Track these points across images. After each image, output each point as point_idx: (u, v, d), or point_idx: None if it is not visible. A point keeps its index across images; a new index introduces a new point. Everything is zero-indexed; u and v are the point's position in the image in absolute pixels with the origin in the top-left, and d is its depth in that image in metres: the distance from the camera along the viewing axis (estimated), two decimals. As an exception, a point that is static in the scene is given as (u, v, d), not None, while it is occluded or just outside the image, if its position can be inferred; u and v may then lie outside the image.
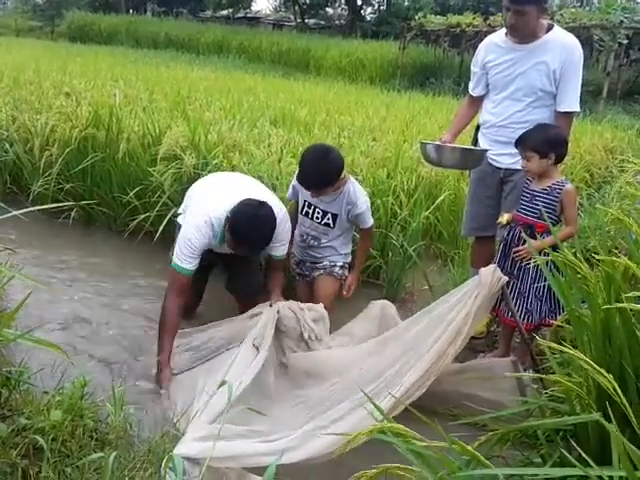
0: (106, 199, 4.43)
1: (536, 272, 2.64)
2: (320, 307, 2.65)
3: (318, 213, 2.96)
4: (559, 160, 2.66)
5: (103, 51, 15.55)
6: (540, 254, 2.51)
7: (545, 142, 2.62)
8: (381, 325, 2.74)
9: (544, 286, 2.64)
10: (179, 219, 2.99)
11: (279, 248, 2.80)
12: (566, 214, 2.64)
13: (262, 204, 2.59)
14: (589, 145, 6.46)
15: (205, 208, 2.68)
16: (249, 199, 2.61)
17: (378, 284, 3.87)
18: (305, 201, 3.01)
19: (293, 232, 3.14)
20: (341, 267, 3.07)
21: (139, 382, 2.56)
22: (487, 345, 3.16)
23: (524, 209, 2.72)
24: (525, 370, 2.49)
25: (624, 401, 1.17)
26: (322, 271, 3.05)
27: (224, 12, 29.73)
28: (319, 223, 2.98)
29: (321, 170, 2.80)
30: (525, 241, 2.64)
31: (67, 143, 4.45)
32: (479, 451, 1.47)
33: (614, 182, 5.33)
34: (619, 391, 1.18)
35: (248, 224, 2.52)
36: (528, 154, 2.66)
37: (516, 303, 2.66)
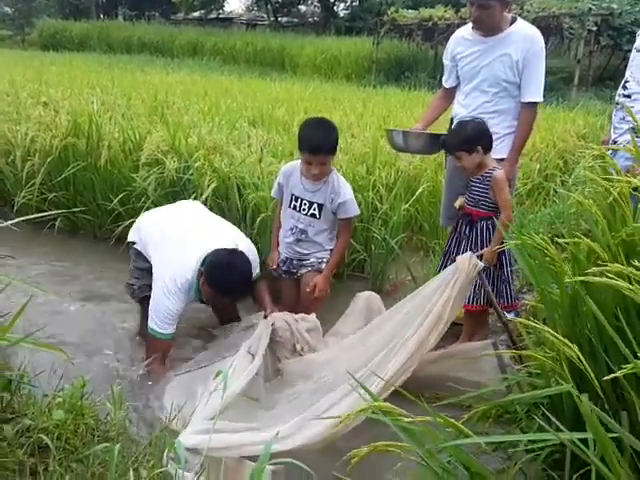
0: (90, 207, 4.47)
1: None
2: (313, 317, 2.73)
3: (305, 204, 3.04)
4: (488, 149, 2.81)
5: (76, 58, 15.43)
6: (482, 242, 2.79)
7: (466, 140, 2.78)
8: (367, 319, 2.82)
9: (491, 272, 2.83)
10: (138, 247, 2.95)
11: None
12: (498, 201, 2.77)
13: (233, 251, 2.62)
14: (562, 132, 6.61)
15: (175, 270, 2.62)
16: (217, 250, 2.62)
17: (363, 277, 3.97)
18: (292, 194, 3.08)
19: (279, 231, 3.20)
20: (327, 263, 3.14)
21: (134, 383, 2.63)
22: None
23: (466, 198, 2.90)
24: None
25: (588, 369, 1.28)
26: (309, 268, 3.10)
27: (196, 14, 29.60)
28: (305, 214, 3.05)
29: (328, 131, 2.95)
30: (468, 227, 2.88)
31: (48, 153, 4.49)
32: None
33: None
34: (583, 359, 1.28)
35: (227, 277, 2.53)
36: (457, 154, 2.82)
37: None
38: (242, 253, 2.65)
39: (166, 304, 2.58)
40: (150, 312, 2.61)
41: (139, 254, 2.94)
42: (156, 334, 2.60)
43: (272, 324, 2.59)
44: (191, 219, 2.99)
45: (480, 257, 2.78)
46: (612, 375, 1.20)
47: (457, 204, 2.95)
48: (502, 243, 2.74)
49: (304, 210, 3.05)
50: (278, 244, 3.22)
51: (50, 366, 1.96)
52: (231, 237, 2.80)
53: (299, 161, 3.07)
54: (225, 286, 2.57)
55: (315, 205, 3.03)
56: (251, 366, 2.37)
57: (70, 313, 3.28)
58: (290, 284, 3.20)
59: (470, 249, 2.83)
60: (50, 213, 3.19)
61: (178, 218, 2.99)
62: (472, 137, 2.77)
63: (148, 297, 2.84)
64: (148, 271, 2.83)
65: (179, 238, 2.76)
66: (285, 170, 3.14)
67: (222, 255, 2.59)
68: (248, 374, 2.32)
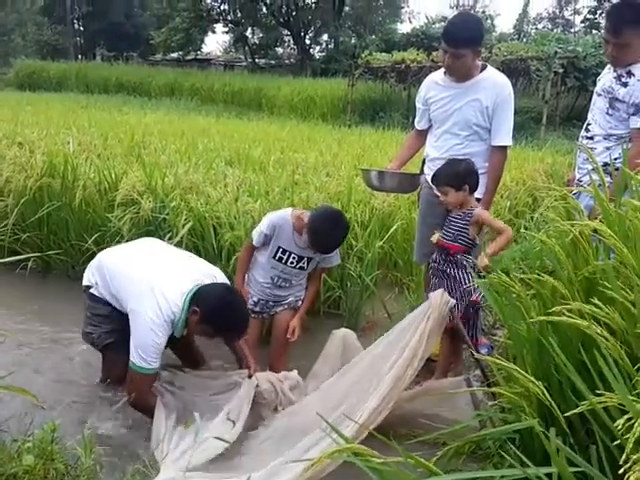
0: (64, 247, 4.44)
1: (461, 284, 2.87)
2: (295, 374, 2.74)
3: (293, 258, 3.03)
4: (473, 189, 2.89)
5: (53, 98, 15.50)
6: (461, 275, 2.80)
7: (457, 176, 2.86)
8: (344, 358, 2.83)
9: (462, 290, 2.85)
10: (94, 291, 2.79)
11: None
12: (493, 228, 2.86)
13: (229, 288, 2.62)
14: (531, 170, 6.80)
15: (160, 303, 2.49)
16: (211, 286, 2.58)
17: (338, 314, 3.97)
18: (279, 247, 3.04)
19: (246, 270, 3.16)
20: (302, 300, 3.17)
21: (105, 425, 2.58)
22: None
23: (443, 233, 2.96)
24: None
25: (553, 404, 1.31)
26: (286, 306, 3.12)
27: (174, 55, 30.06)
28: (293, 267, 3.06)
29: (341, 236, 2.95)
30: (445, 261, 2.89)
31: (22, 193, 4.45)
32: (438, 466, 1.58)
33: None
34: (548, 395, 1.31)
35: (229, 316, 2.49)
36: (444, 189, 2.89)
37: None
38: (237, 291, 2.65)
39: (153, 338, 2.46)
40: (135, 349, 2.48)
41: (97, 299, 2.79)
42: (143, 370, 2.46)
43: (256, 385, 2.58)
44: (161, 253, 2.90)
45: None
46: (572, 412, 1.23)
47: (434, 239, 2.99)
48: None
49: (292, 263, 3.05)
50: (244, 282, 3.16)
51: (20, 410, 1.92)
52: (208, 270, 2.77)
53: (288, 212, 3.06)
54: (227, 325, 2.51)
55: (305, 259, 3.05)
56: (231, 433, 2.35)
57: (42, 356, 3.22)
58: (257, 323, 3.15)
59: (451, 283, 2.86)
60: (22, 257, 3.12)
61: (147, 253, 2.88)
62: (463, 174, 2.85)
63: (110, 345, 2.78)
64: (108, 317, 2.75)
65: (157, 271, 2.64)
66: (274, 222, 3.03)
67: (220, 292, 2.53)
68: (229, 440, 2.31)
